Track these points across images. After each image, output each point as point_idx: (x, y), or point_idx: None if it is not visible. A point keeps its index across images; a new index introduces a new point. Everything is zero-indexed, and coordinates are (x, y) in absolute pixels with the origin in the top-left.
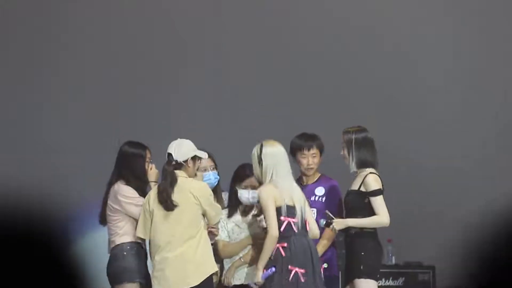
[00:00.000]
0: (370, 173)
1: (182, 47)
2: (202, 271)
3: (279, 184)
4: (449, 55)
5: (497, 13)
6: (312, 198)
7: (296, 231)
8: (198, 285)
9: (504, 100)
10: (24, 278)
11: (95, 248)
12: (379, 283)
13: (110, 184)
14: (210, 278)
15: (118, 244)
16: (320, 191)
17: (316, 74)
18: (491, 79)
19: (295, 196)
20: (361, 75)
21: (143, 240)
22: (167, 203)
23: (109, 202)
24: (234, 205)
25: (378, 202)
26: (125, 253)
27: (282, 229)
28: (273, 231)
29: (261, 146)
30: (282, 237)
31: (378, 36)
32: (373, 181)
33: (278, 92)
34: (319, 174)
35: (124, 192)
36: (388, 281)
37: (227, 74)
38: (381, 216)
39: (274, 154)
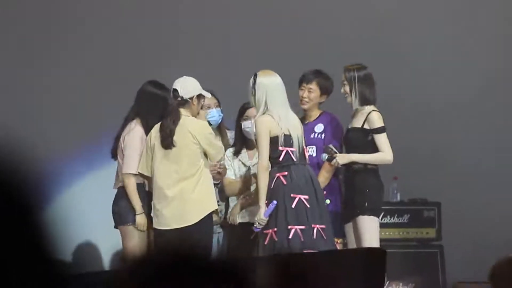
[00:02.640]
0: (373, 110)
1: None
2: (201, 208)
3: (275, 113)
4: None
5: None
6: (312, 136)
7: (295, 159)
8: (197, 222)
9: None
10: None
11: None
12: (383, 220)
13: (127, 120)
14: (209, 216)
15: None
16: (319, 128)
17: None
18: None
19: (291, 125)
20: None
21: (146, 177)
22: (168, 141)
23: (123, 137)
24: (240, 143)
25: (382, 140)
26: None
27: (281, 158)
28: (263, 162)
29: (255, 75)
30: (282, 166)
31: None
32: (377, 119)
33: (285, 33)
34: (320, 111)
35: (130, 142)
36: (393, 218)
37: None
38: (386, 153)
39: (268, 83)
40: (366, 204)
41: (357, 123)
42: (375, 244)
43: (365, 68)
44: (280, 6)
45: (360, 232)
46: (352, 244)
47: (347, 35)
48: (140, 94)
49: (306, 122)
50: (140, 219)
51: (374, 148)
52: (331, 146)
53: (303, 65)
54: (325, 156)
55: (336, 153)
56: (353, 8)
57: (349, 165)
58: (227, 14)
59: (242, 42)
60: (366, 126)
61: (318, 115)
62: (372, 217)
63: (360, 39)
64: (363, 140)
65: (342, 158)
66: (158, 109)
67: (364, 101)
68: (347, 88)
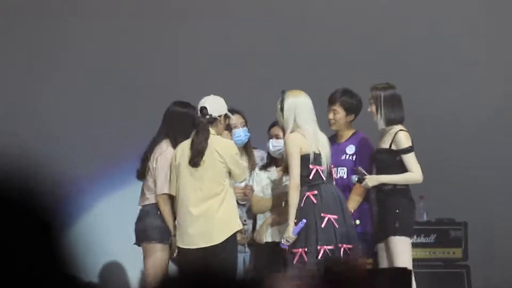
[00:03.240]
0: (400, 130)
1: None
2: (226, 228)
3: (305, 130)
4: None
5: None
6: (343, 157)
7: (324, 178)
8: (222, 242)
9: None
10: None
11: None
12: (411, 240)
13: (156, 141)
14: (234, 236)
15: (153, 202)
16: (350, 149)
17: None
18: None
19: (320, 144)
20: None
21: (171, 197)
22: (198, 159)
23: (153, 158)
24: (269, 161)
25: (411, 160)
26: (158, 212)
27: (311, 177)
28: (294, 180)
29: (283, 94)
30: (312, 185)
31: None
32: (404, 139)
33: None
34: (352, 131)
35: (164, 163)
36: (420, 238)
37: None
38: (415, 173)
39: (296, 102)
40: (396, 224)
41: (384, 144)
42: (408, 265)
43: (393, 87)
44: (310, 24)
45: (392, 253)
46: (382, 265)
47: (370, 49)
48: (168, 115)
49: (338, 142)
50: (175, 240)
51: (403, 168)
52: (360, 168)
53: (335, 85)
54: (355, 178)
55: (365, 175)
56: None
57: (380, 187)
58: (254, 34)
59: (270, 60)
60: (393, 147)
61: (349, 135)
62: (403, 237)
63: (386, 53)
64: (391, 161)
65: (372, 180)
66: (187, 129)
67: (390, 122)
68: (374, 108)
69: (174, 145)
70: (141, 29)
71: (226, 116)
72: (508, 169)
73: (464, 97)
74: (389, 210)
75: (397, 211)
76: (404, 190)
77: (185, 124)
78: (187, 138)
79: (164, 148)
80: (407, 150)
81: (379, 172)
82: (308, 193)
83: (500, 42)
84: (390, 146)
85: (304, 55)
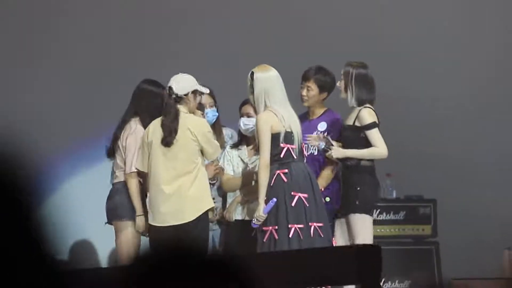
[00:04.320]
0: (364, 107)
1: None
2: (197, 206)
3: (277, 109)
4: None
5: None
6: (315, 133)
7: (295, 157)
8: (194, 220)
9: None
10: None
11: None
12: (379, 217)
13: (125, 121)
14: (205, 213)
15: (123, 180)
16: (322, 126)
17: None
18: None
19: (292, 121)
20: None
21: (142, 173)
22: (170, 138)
23: (123, 136)
24: (240, 139)
25: (374, 135)
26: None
27: (282, 155)
28: (264, 159)
29: (252, 72)
30: (282, 163)
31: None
32: (367, 115)
33: (288, 24)
34: (324, 109)
35: (133, 142)
36: (389, 215)
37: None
38: (380, 148)
39: (266, 78)
40: (357, 202)
41: (349, 121)
42: (368, 242)
43: (366, 67)
44: (279, 3)
45: (352, 230)
46: (337, 240)
47: (350, 33)
48: (136, 93)
49: (309, 119)
50: (140, 220)
51: (368, 145)
52: (328, 137)
53: (305, 62)
54: (322, 145)
55: (332, 145)
56: (358, 7)
57: (344, 162)
58: (226, 13)
59: (241, 39)
60: (357, 123)
61: (321, 112)
62: (363, 215)
63: (363, 37)
64: (355, 138)
65: (337, 152)
66: (156, 107)
67: (361, 102)
68: (343, 83)
69: (143, 123)
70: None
71: (195, 93)
72: (475, 146)
73: (436, 78)
74: (350, 187)
75: (358, 188)
76: (367, 167)
77: (154, 103)
78: (156, 116)
79: (134, 127)
80: (370, 126)
81: (346, 148)
82: (278, 171)
83: (473, 26)
84: (354, 123)
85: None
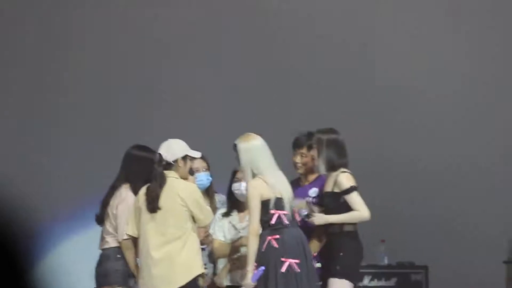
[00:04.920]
0: (342, 172)
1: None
2: (188, 272)
3: (266, 176)
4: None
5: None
6: (305, 199)
7: (287, 223)
8: (184, 286)
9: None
10: None
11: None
12: (371, 283)
13: (115, 187)
14: (195, 279)
15: (113, 246)
16: (313, 192)
17: (316, 74)
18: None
19: (282, 188)
20: (362, 77)
21: (132, 238)
22: (153, 205)
23: (113, 204)
24: (231, 205)
25: (354, 199)
26: (119, 255)
27: (273, 221)
28: (253, 227)
29: (234, 144)
30: (274, 229)
31: (379, 39)
32: (345, 180)
33: (276, 91)
34: (316, 175)
35: (124, 210)
36: (381, 281)
37: (223, 75)
38: (361, 211)
39: (248, 149)
40: (337, 267)
41: (328, 187)
42: None
43: (335, 132)
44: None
45: None
46: None
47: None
48: (126, 159)
49: (302, 185)
50: None
51: (349, 209)
52: (309, 203)
53: (294, 124)
54: (304, 212)
55: (313, 212)
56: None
57: (327, 228)
58: (218, 75)
59: (234, 102)
60: (335, 189)
61: (313, 178)
62: (343, 280)
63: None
64: (336, 203)
65: (319, 218)
66: (146, 173)
67: (331, 167)
68: (315, 152)
69: (134, 190)
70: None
71: (185, 158)
72: (467, 212)
73: (428, 140)
74: (332, 252)
75: (341, 254)
76: (350, 233)
77: (144, 168)
78: (147, 182)
79: (124, 195)
80: (349, 190)
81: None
82: (269, 238)
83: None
84: (333, 189)
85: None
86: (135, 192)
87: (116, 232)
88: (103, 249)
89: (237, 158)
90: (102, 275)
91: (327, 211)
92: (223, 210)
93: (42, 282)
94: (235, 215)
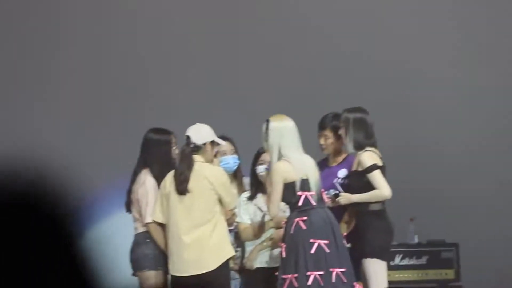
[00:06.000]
0: (365, 151)
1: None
2: (219, 255)
3: (291, 158)
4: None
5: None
6: (335, 181)
7: (314, 204)
8: (215, 269)
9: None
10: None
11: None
12: (402, 262)
13: (136, 172)
14: (226, 262)
15: (141, 231)
16: (342, 173)
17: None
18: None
19: (308, 169)
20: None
21: (161, 224)
22: (183, 187)
23: (135, 189)
24: (255, 188)
25: (375, 177)
26: (148, 240)
27: (300, 203)
28: (273, 211)
29: (267, 121)
30: (301, 211)
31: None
32: (366, 158)
33: (300, 77)
34: (345, 155)
35: (145, 194)
36: (412, 260)
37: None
38: (381, 189)
39: (279, 128)
40: (367, 247)
41: (353, 167)
42: (382, 286)
43: (363, 111)
44: (294, 49)
45: (366, 275)
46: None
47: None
48: (144, 143)
49: (330, 166)
50: None
51: (373, 188)
52: (337, 183)
53: (323, 107)
54: (333, 191)
55: (341, 191)
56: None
57: (354, 208)
58: (244, 61)
59: (259, 87)
60: (359, 169)
61: (341, 159)
62: (375, 259)
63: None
64: (360, 183)
65: (344, 198)
66: (164, 155)
67: (357, 146)
68: (343, 131)
69: (153, 173)
70: (132, 63)
71: (213, 143)
72: (496, 189)
73: (458, 125)
74: (361, 233)
75: (368, 233)
76: (376, 212)
77: (162, 151)
78: (166, 165)
79: (142, 179)
80: (370, 169)
81: (353, 194)
82: (297, 219)
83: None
84: (357, 168)
85: (297, 88)
86: (154, 175)
87: (141, 217)
88: (135, 236)
89: (265, 136)
90: (134, 261)
91: (352, 191)
92: (247, 193)
93: (88, 251)
94: (259, 197)
